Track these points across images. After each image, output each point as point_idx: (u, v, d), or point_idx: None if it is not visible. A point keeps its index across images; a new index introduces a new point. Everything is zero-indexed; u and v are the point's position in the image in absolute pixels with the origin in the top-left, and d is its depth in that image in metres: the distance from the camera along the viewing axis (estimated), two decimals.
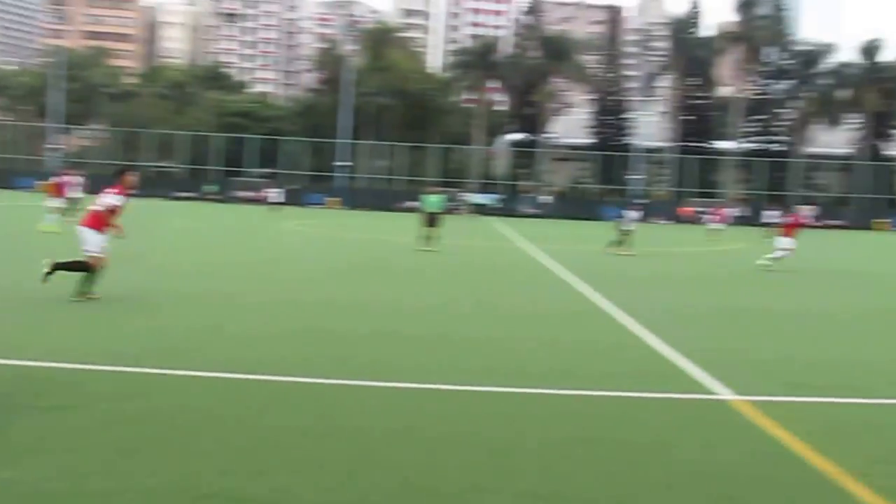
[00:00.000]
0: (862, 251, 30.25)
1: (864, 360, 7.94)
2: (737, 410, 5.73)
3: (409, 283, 13.81)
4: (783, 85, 67.95)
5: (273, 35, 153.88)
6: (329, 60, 74.29)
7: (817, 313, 11.78)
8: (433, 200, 21.50)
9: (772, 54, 68.28)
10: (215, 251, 18.91)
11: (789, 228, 18.66)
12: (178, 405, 5.33)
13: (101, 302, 9.30)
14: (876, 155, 65.69)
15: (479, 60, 68.98)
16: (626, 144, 67.99)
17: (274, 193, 46.69)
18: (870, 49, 64.87)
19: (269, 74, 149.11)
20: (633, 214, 23.51)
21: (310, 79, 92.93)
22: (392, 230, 31.08)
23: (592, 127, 71.50)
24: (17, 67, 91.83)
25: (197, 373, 6.29)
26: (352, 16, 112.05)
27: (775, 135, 68.70)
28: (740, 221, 53.85)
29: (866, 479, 4.26)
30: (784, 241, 18.40)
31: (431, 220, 20.97)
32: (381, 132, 67.46)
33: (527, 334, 8.84)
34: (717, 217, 36.64)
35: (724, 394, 6.18)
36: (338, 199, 59.81)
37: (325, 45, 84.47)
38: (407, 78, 69.83)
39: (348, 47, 70.85)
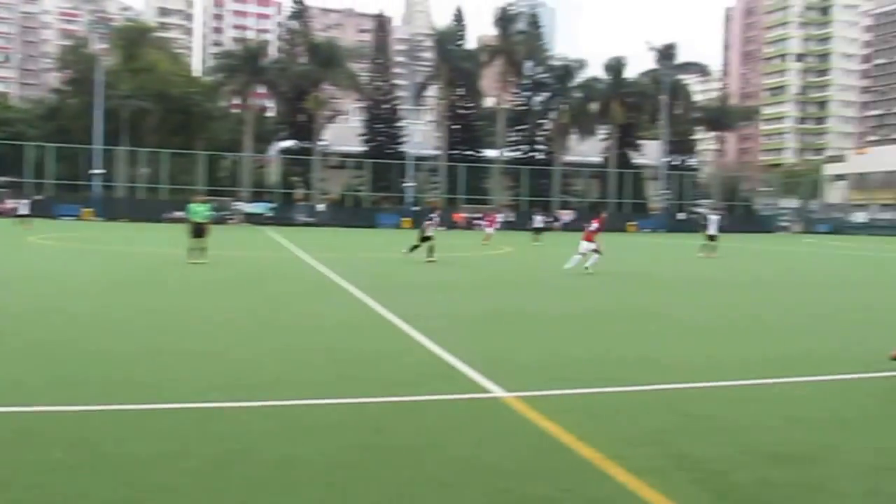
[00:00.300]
0: (618, 252, 33.07)
1: (620, 355, 8.72)
2: (508, 406, 6.07)
3: (177, 297, 13.19)
4: (541, 97, 72.96)
5: (7, 29, 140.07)
6: (76, 59, 69.09)
7: (580, 313, 12.76)
8: (200, 210, 20.67)
9: (530, 68, 73.07)
10: None
11: (591, 233, 19.61)
12: None
13: None
14: (627, 163, 72.39)
15: (245, 65, 66.94)
16: (399, 152, 69.22)
17: (21, 204, 42.74)
18: (615, 66, 71.41)
19: (5, 73, 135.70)
20: (436, 219, 24.06)
21: (54, 79, 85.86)
22: (157, 242, 29.52)
23: (365, 135, 72.02)
24: None
25: None
26: (101, 12, 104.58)
27: (537, 144, 73.58)
28: (509, 226, 57.06)
29: (623, 461, 4.69)
30: (586, 245, 19.35)
31: (199, 230, 20.16)
32: (140, 138, 63.78)
33: (307, 345, 8.79)
34: (489, 223, 38.46)
35: (497, 392, 6.52)
36: (92, 209, 55.73)
37: (71, 43, 78.44)
38: (167, 80, 66.63)
39: (98, 46, 66.21)
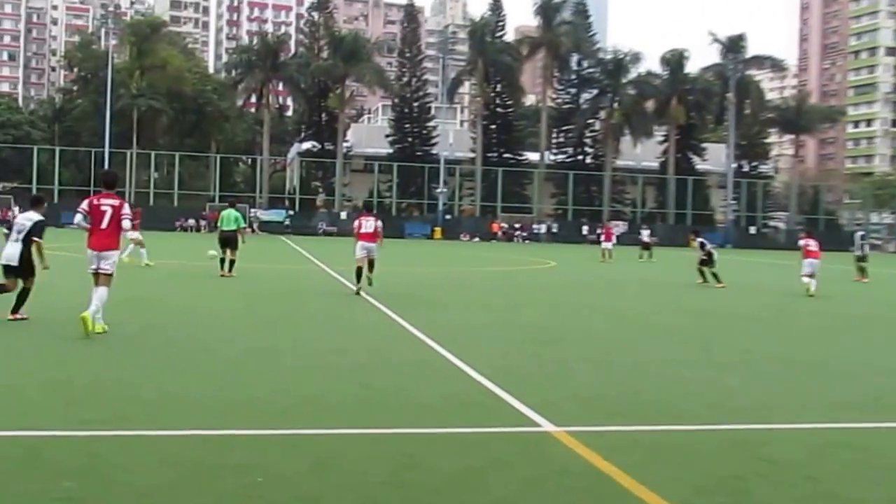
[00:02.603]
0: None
1: (686, 390, 8.51)
2: (559, 442, 5.92)
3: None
4: (589, 94, 72.14)
5: (12, 26, 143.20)
6: (84, 57, 70.60)
7: (650, 337, 12.53)
8: (230, 217, 19.76)
9: (576, 62, 72.25)
10: None
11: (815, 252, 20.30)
12: None
13: None
14: (688, 169, 71.10)
15: (262, 60, 67.45)
16: (430, 155, 68.98)
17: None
18: (674, 60, 70.37)
19: (10, 72, 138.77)
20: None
21: (61, 78, 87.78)
22: (177, 252, 29.58)
23: (393, 136, 71.82)
24: None
25: None
26: (111, 6, 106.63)
27: (585, 146, 72.67)
28: (554, 238, 56.52)
29: None
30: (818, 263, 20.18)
31: (226, 240, 19.50)
32: (151, 139, 64.75)
33: (330, 366, 8.67)
34: (606, 236, 37.18)
35: (546, 426, 6.35)
36: None
37: (79, 39, 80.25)
38: (180, 78, 67.64)
39: (108, 42, 67.55)
